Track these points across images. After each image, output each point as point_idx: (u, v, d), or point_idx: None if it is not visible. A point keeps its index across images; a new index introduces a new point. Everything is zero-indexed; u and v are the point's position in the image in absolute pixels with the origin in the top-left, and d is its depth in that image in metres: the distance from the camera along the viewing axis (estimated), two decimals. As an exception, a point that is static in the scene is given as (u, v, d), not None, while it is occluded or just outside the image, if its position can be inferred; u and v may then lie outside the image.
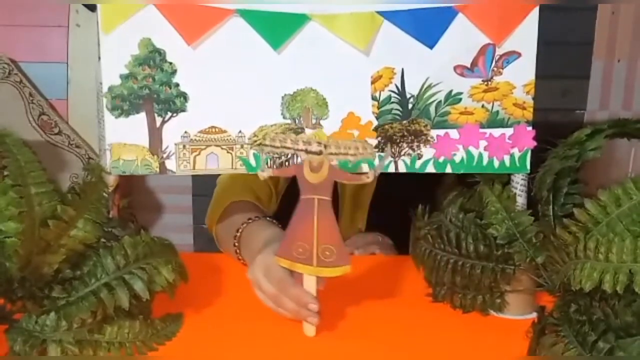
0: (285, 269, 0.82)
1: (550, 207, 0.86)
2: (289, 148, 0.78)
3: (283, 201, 1.24)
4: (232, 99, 0.84)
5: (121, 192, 0.86)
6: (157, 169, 0.85)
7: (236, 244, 1.01)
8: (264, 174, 0.80)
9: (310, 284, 0.81)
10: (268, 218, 1.04)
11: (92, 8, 1.60)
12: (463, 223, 0.89)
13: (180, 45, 0.82)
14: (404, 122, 0.87)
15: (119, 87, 0.82)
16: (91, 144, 1.84)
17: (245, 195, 1.14)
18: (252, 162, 0.86)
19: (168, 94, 0.83)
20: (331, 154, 0.77)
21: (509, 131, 0.87)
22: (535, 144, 0.87)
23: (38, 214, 0.69)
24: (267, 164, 0.86)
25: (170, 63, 0.83)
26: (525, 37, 0.85)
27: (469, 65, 0.86)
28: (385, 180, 1.25)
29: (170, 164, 0.85)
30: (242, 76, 0.84)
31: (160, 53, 0.82)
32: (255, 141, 0.85)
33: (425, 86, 0.86)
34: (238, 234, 1.01)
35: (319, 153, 0.77)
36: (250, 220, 1.02)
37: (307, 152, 0.77)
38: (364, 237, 1.20)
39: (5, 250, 0.70)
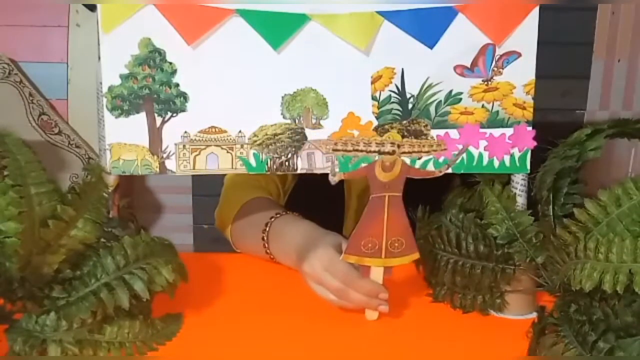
0: (350, 263, 0.84)
1: (550, 207, 0.86)
2: (361, 151, 0.80)
3: (290, 199, 1.24)
4: (232, 99, 0.84)
5: (121, 192, 0.86)
6: (157, 169, 0.85)
7: (265, 238, 1.02)
8: (335, 177, 0.82)
9: (377, 274, 0.85)
10: (295, 213, 1.05)
11: (92, 8, 1.60)
12: (463, 223, 0.89)
13: (180, 45, 0.82)
14: (404, 122, 0.87)
15: (119, 87, 0.82)
16: (91, 144, 1.84)
17: (260, 193, 1.15)
18: (252, 162, 0.86)
19: (168, 94, 0.83)
20: (404, 153, 0.80)
21: (509, 131, 0.87)
22: (535, 144, 0.87)
23: (38, 214, 0.69)
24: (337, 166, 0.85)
25: (170, 63, 0.83)
26: (525, 37, 0.85)
27: (469, 65, 0.86)
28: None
29: (170, 164, 0.85)
30: (242, 76, 0.84)
31: (160, 53, 0.82)
32: (255, 141, 0.85)
33: (425, 86, 0.86)
34: (267, 229, 1.02)
35: (392, 153, 0.78)
36: (278, 215, 1.03)
37: (379, 153, 0.79)
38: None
39: (5, 250, 0.70)
